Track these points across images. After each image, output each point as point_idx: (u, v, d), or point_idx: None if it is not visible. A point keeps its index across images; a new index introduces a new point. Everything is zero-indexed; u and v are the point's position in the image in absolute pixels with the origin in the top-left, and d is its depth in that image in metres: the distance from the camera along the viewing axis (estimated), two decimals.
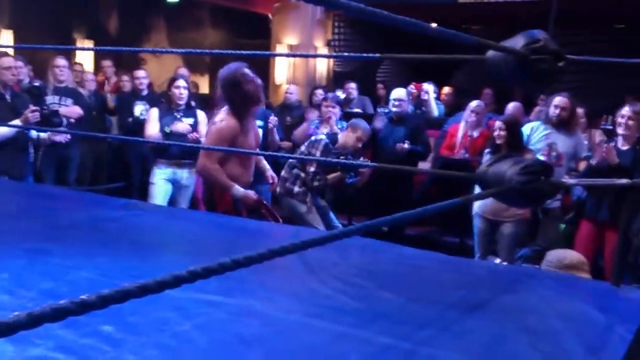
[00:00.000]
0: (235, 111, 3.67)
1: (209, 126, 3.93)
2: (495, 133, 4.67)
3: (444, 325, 1.59)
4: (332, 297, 1.78)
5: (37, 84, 5.60)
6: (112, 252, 2.18)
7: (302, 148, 5.17)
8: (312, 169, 4.92)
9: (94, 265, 1.98)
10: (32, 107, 4.59)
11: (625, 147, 4.44)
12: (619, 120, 4.49)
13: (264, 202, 3.78)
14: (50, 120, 4.95)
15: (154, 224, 2.84)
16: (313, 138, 5.16)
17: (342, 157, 4.94)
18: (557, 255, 3.05)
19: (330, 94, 6.71)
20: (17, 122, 4.53)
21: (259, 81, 3.82)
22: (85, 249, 2.22)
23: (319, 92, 7.20)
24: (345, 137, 5.16)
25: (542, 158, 4.80)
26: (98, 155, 6.86)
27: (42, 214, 2.77)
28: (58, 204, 3.12)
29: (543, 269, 2.99)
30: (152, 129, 5.11)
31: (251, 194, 3.73)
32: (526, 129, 5.03)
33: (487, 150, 4.85)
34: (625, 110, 4.46)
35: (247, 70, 3.76)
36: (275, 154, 5.50)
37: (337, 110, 5.84)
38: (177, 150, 5.11)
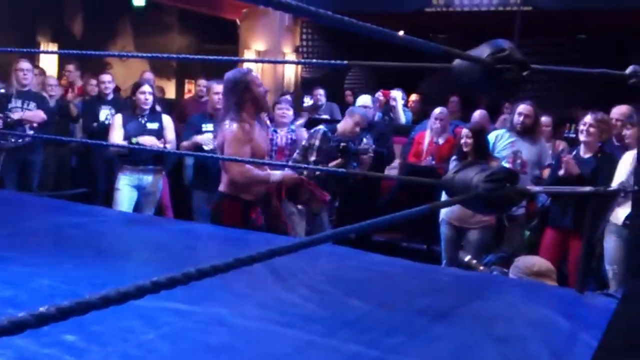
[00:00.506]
0: (243, 115, 3.55)
1: (220, 136, 3.74)
2: (462, 140, 4.71)
3: (411, 332, 1.60)
4: (300, 305, 1.77)
5: (2, 90, 5.48)
6: (75, 260, 2.14)
7: (303, 142, 5.15)
8: (312, 158, 4.90)
9: (57, 273, 1.94)
10: None
11: (587, 155, 4.52)
12: (581, 128, 4.57)
13: (304, 178, 3.72)
14: (13, 128, 4.85)
15: (118, 231, 2.80)
16: (312, 130, 5.19)
17: (342, 144, 4.90)
18: (526, 262, 3.07)
19: (282, 98, 6.75)
20: None
21: (265, 88, 3.81)
22: (47, 256, 2.18)
23: (287, 98, 7.19)
24: (344, 124, 5.18)
25: (507, 165, 4.87)
26: (62, 160, 6.73)
27: (3, 220, 2.71)
28: (20, 210, 3.05)
29: (511, 274, 3.01)
30: (117, 136, 5.04)
31: (289, 172, 3.67)
32: (491, 137, 5.09)
33: (453, 158, 4.89)
34: (587, 118, 4.54)
35: (255, 74, 3.72)
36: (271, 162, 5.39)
37: (290, 113, 5.77)
38: (143, 156, 5.05)
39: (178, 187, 6.07)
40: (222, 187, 3.65)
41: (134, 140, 4.97)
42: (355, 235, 5.28)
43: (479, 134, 4.73)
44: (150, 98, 5.09)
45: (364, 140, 5.34)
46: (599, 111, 4.60)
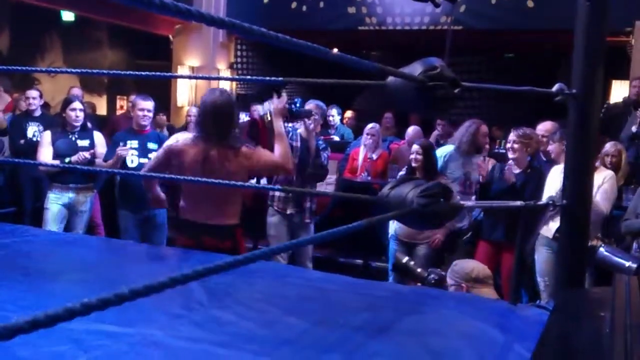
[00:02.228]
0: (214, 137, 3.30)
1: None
2: (412, 156, 4.77)
3: (348, 349, 1.60)
4: (236, 324, 1.74)
5: None
6: (2, 281, 2.05)
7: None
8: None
9: None
10: None
11: (517, 171, 4.67)
12: (508, 145, 4.73)
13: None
14: None
15: (46, 251, 2.70)
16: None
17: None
18: (464, 267, 3.07)
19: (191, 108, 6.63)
20: None
21: None
22: None
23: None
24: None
25: (457, 187, 4.99)
26: None
27: None
28: None
29: (448, 278, 3.03)
30: (46, 153, 4.88)
31: (276, 101, 3.51)
32: (441, 155, 5.17)
33: (401, 173, 4.94)
34: (511, 135, 4.70)
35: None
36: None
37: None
38: (71, 174, 4.92)
39: (109, 205, 5.91)
40: (231, 220, 3.35)
41: (67, 160, 4.84)
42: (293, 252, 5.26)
43: (429, 151, 4.80)
44: (81, 115, 4.99)
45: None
46: (523, 127, 4.75)
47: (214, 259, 2.47)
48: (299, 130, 4.86)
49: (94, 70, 4.04)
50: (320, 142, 4.96)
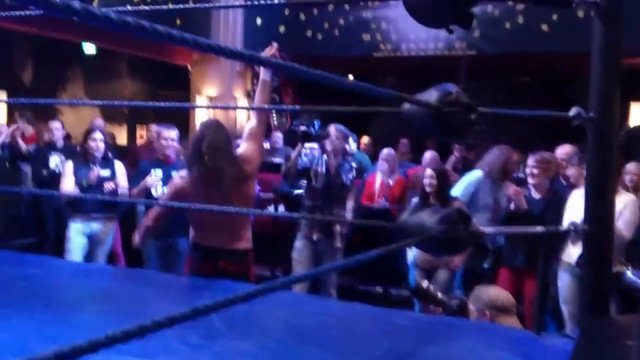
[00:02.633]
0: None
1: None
2: (426, 181, 4.72)
3: None
4: (255, 354, 1.74)
5: None
6: (24, 313, 2.07)
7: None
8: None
9: (6, 327, 1.87)
10: None
11: (537, 196, 4.62)
12: (527, 171, 4.68)
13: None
14: None
15: (68, 282, 2.72)
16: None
17: (302, 128, 4.76)
18: (489, 294, 3.00)
19: (235, 143, 6.67)
20: None
21: None
22: None
23: (238, 143, 7.18)
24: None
25: (489, 215, 4.95)
26: (11, 209, 6.57)
27: None
28: None
29: (471, 305, 2.97)
30: (68, 183, 4.95)
31: (267, 50, 3.47)
32: (470, 180, 5.12)
33: (415, 199, 4.92)
34: (529, 160, 4.66)
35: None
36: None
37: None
38: (93, 204, 4.96)
39: (130, 235, 5.94)
40: (244, 244, 3.38)
41: (84, 182, 4.89)
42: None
43: (443, 176, 4.76)
44: (101, 145, 5.05)
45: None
46: (541, 151, 4.72)
47: (235, 288, 2.47)
48: (325, 157, 4.90)
49: (114, 102, 4.12)
50: (346, 165, 4.95)
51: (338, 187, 4.86)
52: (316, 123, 4.72)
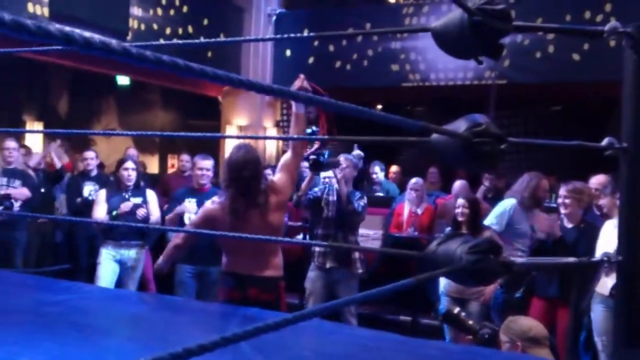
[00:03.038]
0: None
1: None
2: (458, 210, 4.71)
3: None
4: None
5: None
6: (56, 338, 2.10)
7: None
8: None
9: (38, 352, 1.90)
10: None
11: (569, 226, 4.56)
12: (559, 201, 4.63)
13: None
14: (0, 203, 4.83)
15: (100, 308, 2.76)
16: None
17: (312, 157, 4.72)
18: (521, 324, 2.93)
19: (265, 172, 6.72)
20: None
21: None
22: (28, 334, 2.14)
23: (268, 172, 7.24)
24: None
25: (528, 242, 4.91)
26: (45, 237, 6.71)
27: None
28: (0, 287, 3.00)
29: (502, 335, 2.92)
30: (100, 211, 5.06)
31: (296, 82, 3.48)
32: (505, 208, 5.05)
33: (448, 229, 4.88)
34: (561, 190, 4.61)
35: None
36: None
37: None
38: (125, 232, 5.05)
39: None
40: (273, 272, 3.39)
41: (114, 213, 4.98)
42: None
43: (474, 205, 4.75)
44: (133, 174, 5.16)
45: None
46: (573, 181, 4.67)
47: (265, 316, 2.48)
48: (335, 186, 4.94)
49: (147, 132, 4.21)
50: (357, 193, 5.00)
51: (350, 215, 4.89)
52: (325, 153, 4.76)
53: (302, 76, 3.40)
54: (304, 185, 5.02)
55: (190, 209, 4.98)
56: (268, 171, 7.35)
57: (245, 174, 3.29)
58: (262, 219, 3.32)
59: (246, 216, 3.31)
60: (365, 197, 5.08)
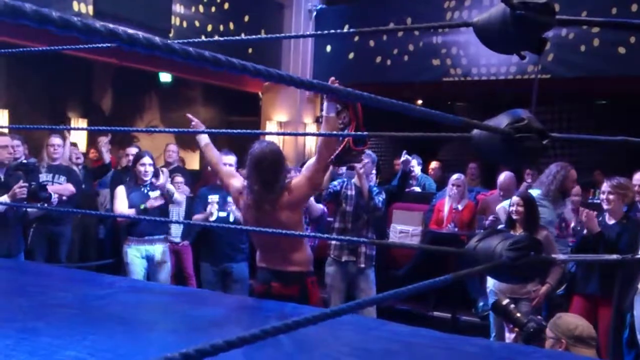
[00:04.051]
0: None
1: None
2: (512, 209, 4.56)
3: None
4: None
5: (25, 161, 5.62)
6: (100, 330, 2.15)
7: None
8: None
9: (83, 344, 1.95)
10: (21, 183, 4.58)
11: (611, 222, 4.48)
12: (602, 196, 4.55)
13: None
14: (37, 194, 4.90)
15: (143, 301, 2.81)
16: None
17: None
18: (568, 323, 2.88)
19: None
20: (4, 198, 4.53)
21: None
22: (73, 327, 2.19)
23: (291, 173, 7.26)
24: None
25: (555, 231, 4.85)
26: (88, 232, 6.84)
27: (31, 292, 2.74)
28: (47, 281, 3.09)
29: (548, 331, 2.88)
30: (122, 206, 5.12)
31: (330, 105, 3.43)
32: None
33: (501, 226, 4.77)
34: (604, 186, 4.52)
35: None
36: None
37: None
38: (148, 227, 5.12)
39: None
40: (297, 267, 3.43)
41: (142, 206, 5.05)
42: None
43: (530, 203, 4.58)
44: (150, 169, 5.21)
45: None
46: (618, 176, 4.58)
47: (302, 311, 2.50)
48: (353, 180, 4.97)
49: (188, 130, 4.26)
50: (375, 188, 5.03)
51: (371, 210, 4.91)
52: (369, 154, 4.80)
53: (333, 78, 3.42)
54: (325, 179, 5.02)
55: (214, 209, 5.12)
56: (292, 173, 7.37)
57: (263, 167, 3.33)
58: (272, 214, 3.37)
59: (260, 209, 3.37)
60: (384, 193, 5.10)
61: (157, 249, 5.20)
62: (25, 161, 5.61)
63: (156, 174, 5.22)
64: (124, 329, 2.23)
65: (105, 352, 1.90)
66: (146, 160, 5.26)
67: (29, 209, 5.06)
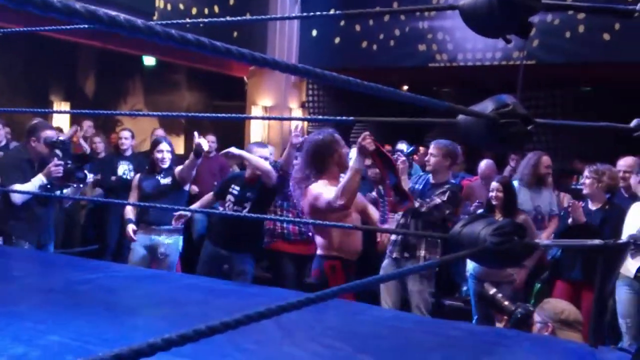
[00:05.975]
0: (331, 176, 3.63)
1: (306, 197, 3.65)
2: (492, 194, 4.60)
3: None
4: None
5: (62, 138, 5.29)
6: (85, 316, 2.14)
7: None
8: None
9: (67, 329, 1.94)
10: (56, 161, 4.36)
11: (594, 208, 4.52)
12: (584, 182, 4.60)
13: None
14: (73, 174, 4.60)
15: (128, 287, 2.80)
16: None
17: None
18: (555, 307, 2.92)
19: None
20: (39, 176, 4.32)
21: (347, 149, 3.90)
22: (57, 312, 2.18)
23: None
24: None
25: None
26: (71, 217, 6.74)
27: (14, 276, 2.72)
28: (30, 266, 3.06)
29: (536, 315, 2.90)
30: (134, 196, 4.96)
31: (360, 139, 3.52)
32: None
33: (480, 211, 4.79)
34: (586, 172, 4.57)
35: (338, 136, 3.77)
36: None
37: None
38: (156, 216, 4.86)
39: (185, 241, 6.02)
40: (322, 250, 3.59)
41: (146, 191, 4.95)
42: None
43: (509, 187, 4.63)
44: (168, 156, 5.01)
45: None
46: (599, 163, 4.62)
47: (287, 295, 2.50)
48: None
49: (173, 113, 4.19)
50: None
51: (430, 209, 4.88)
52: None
53: (367, 133, 3.49)
54: (285, 155, 4.95)
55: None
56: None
57: (314, 155, 3.62)
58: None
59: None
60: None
61: (163, 240, 4.91)
62: (62, 138, 5.28)
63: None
64: (109, 314, 2.22)
65: (89, 337, 1.89)
66: (164, 146, 5.06)
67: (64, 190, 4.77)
